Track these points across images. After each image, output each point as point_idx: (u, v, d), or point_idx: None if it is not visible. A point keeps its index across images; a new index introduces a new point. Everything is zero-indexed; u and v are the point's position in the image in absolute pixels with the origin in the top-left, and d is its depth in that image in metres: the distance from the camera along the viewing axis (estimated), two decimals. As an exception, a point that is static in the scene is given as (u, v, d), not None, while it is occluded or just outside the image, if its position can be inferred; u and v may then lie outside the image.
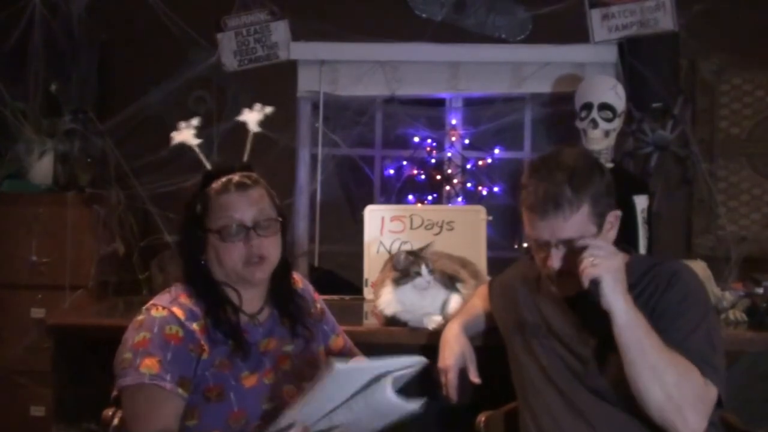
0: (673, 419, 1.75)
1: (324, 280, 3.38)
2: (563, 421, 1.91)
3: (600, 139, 3.57)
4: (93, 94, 4.09)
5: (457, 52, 4.17)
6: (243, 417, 1.83)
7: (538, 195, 1.85)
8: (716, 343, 1.84)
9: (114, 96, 4.17)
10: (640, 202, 3.43)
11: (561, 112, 4.08)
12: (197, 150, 2.39)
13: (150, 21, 4.01)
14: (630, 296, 1.80)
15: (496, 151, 4.38)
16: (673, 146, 4.07)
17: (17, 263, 3.78)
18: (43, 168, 3.91)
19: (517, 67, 4.19)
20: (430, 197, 4.33)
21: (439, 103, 4.45)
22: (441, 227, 3.02)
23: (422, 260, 2.37)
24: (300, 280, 2.10)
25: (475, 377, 2.13)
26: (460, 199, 4.30)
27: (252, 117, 2.56)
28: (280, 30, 4.24)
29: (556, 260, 1.87)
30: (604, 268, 1.77)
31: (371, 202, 4.10)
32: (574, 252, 1.83)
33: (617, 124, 3.61)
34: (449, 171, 4.32)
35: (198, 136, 2.49)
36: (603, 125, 3.56)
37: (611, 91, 3.61)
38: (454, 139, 4.39)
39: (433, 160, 4.38)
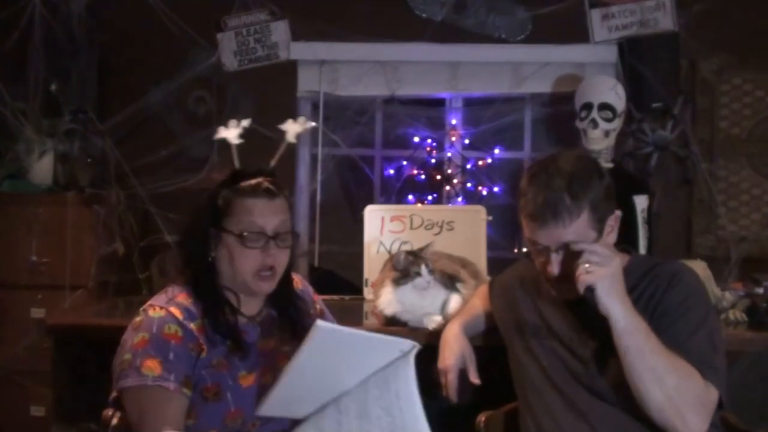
0: (674, 421, 1.75)
1: (324, 280, 3.38)
2: (563, 422, 1.91)
3: (600, 139, 3.57)
4: (93, 94, 4.09)
5: (457, 52, 4.17)
6: (240, 417, 1.83)
7: (537, 203, 1.85)
8: (717, 344, 1.84)
9: (114, 96, 4.17)
10: (640, 202, 3.43)
11: (561, 112, 4.08)
12: (234, 149, 2.38)
13: (150, 21, 4.01)
14: (629, 299, 1.80)
15: (496, 151, 4.38)
16: (673, 146, 4.07)
17: (17, 263, 3.78)
18: (43, 168, 3.91)
19: (517, 67, 4.19)
20: (430, 197, 4.33)
21: (439, 103, 4.45)
22: (441, 227, 3.02)
23: (422, 260, 2.37)
24: (300, 281, 2.10)
25: (475, 378, 2.12)
26: (460, 199, 4.29)
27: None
28: (280, 30, 4.24)
29: (555, 266, 1.87)
30: (598, 275, 1.77)
31: (371, 202, 4.09)
32: (572, 256, 1.83)
33: (617, 124, 3.61)
34: (449, 171, 4.32)
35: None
36: (603, 125, 3.56)
37: (611, 91, 3.61)
38: (454, 139, 4.39)
39: (433, 160, 4.37)
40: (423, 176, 4.36)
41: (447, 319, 2.32)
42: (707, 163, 4.11)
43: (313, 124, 2.53)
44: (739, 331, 2.53)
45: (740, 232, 4.10)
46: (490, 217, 3.06)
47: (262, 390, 1.85)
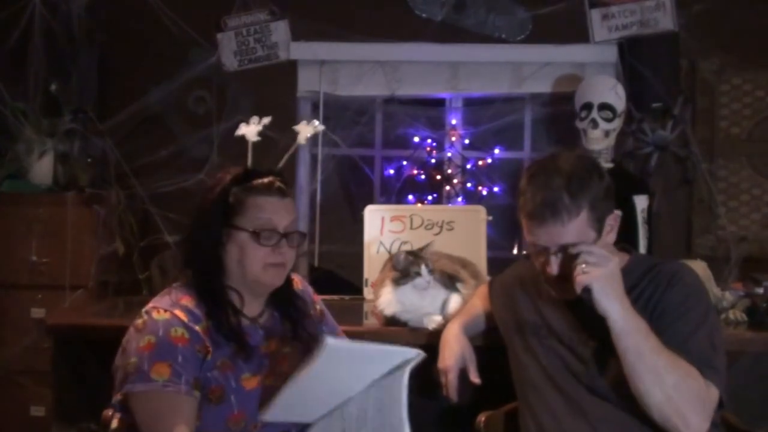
0: (675, 421, 1.75)
1: (324, 280, 3.38)
2: (564, 421, 1.91)
3: (600, 139, 3.57)
4: (93, 94, 4.09)
5: (457, 52, 4.17)
6: (242, 419, 1.83)
7: (535, 202, 1.85)
8: (717, 344, 1.84)
9: (114, 96, 4.17)
10: (640, 202, 3.43)
11: (561, 112, 4.08)
12: (249, 147, 2.39)
13: (150, 21, 4.01)
14: (627, 299, 1.80)
15: (496, 151, 4.38)
16: (673, 146, 4.07)
17: (17, 263, 3.78)
18: (43, 168, 3.91)
19: (517, 67, 4.19)
20: (430, 197, 4.33)
21: (439, 103, 4.45)
22: (441, 227, 3.02)
23: (422, 260, 2.37)
24: (299, 281, 2.09)
25: (475, 377, 2.13)
26: (460, 199, 4.30)
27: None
28: (280, 30, 4.24)
29: (555, 266, 1.87)
30: (594, 275, 1.76)
31: (371, 202, 4.09)
32: (571, 257, 1.83)
33: (617, 124, 3.61)
34: (449, 171, 4.32)
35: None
36: (603, 125, 3.56)
37: (611, 91, 3.61)
38: (454, 139, 4.39)
39: (433, 160, 4.38)
40: (423, 176, 4.36)
41: (447, 319, 2.32)
42: (707, 163, 4.11)
43: (323, 127, 2.55)
44: (739, 331, 2.52)
45: (740, 232, 4.10)
46: (490, 217, 3.06)
47: (265, 392, 1.85)
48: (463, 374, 2.13)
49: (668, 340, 1.78)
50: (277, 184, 1.90)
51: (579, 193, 1.83)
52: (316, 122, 2.89)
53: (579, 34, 4.11)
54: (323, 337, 1.65)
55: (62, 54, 3.95)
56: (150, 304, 1.87)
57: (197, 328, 1.82)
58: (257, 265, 1.87)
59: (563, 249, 1.85)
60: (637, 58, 3.97)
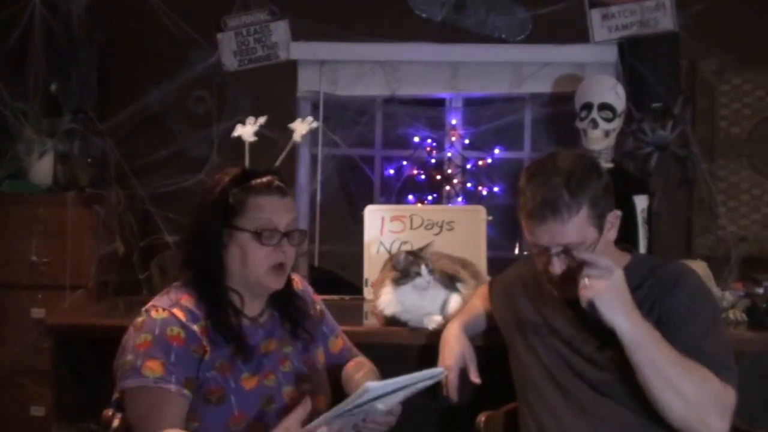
0: (698, 427, 1.75)
1: (324, 280, 3.38)
2: (564, 420, 1.91)
3: (600, 139, 3.57)
4: (93, 94, 4.09)
5: (457, 52, 4.17)
6: (243, 420, 1.82)
7: (535, 200, 1.84)
8: (727, 344, 1.84)
9: (114, 96, 4.17)
10: (640, 202, 3.43)
11: (561, 112, 4.08)
12: (246, 147, 2.39)
13: (150, 21, 4.01)
14: (635, 307, 1.78)
15: (496, 151, 4.38)
16: (673, 146, 4.07)
17: (17, 263, 3.79)
18: (43, 168, 3.91)
19: (517, 67, 4.19)
20: (430, 197, 4.33)
21: (439, 103, 4.45)
22: (441, 227, 3.02)
23: (422, 260, 2.37)
24: (299, 281, 2.09)
25: (475, 377, 2.12)
26: (460, 199, 4.30)
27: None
28: (280, 30, 4.24)
29: (556, 266, 1.87)
30: (597, 289, 1.76)
31: (371, 202, 4.09)
32: (573, 257, 1.83)
33: (617, 124, 3.61)
34: (449, 171, 4.32)
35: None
36: (603, 125, 3.56)
37: (611, 91, 3.61)
38: (454, 139, 4.39)
39: (433, 160, 4.38)
40: (423, 176, 4.36)
41: (447, 319, 2.32)
42: (707, 163, 4.11)
43: (318, 123, 2.55)
44: (739, 331, 2.52)
45: (740, 232, 4.10)
46: (490, 217, 3.06)
47: (265, 392, 1.85)
48: (463, 374, 2.13)
49: (680, 345, 1.77)
50: (276, 183, 1.90)
51: (578, 190, 1.83)
52: (310, 118, 2.88)
53: (579, 34, 4.11)
54: (364, 385, 1.64)
55: (62, 54, 3.95)
56: (150, 303, 1.87)
57: (195, 327, 1.82)
58: (260, 266, 1.87)
59: (565, 249, 1.84)
60: (637, 58, 3.97)
